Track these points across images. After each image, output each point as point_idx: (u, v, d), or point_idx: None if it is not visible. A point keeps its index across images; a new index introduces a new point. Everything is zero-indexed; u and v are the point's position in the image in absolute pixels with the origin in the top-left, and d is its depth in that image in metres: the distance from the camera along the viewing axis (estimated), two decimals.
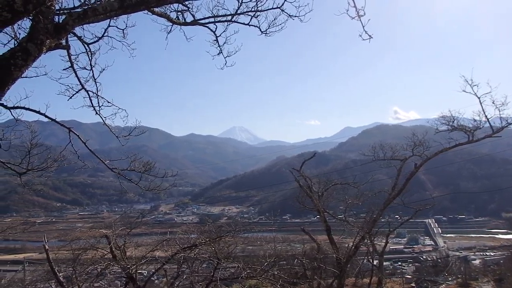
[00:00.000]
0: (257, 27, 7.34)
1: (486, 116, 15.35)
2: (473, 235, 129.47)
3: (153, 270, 14.03)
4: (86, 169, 9.73)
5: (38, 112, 6.87)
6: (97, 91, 7.68)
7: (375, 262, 24.62)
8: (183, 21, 7.15)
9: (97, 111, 7.90)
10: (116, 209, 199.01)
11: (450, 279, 36.08)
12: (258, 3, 6.97)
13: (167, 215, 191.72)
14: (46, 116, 7.03)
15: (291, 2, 6.96)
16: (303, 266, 20.51)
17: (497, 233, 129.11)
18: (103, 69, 7.57)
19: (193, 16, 7.17)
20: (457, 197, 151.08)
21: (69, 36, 6.00)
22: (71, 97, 7.53)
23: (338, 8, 6.66)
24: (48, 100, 6.98)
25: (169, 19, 6.96)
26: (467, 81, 14.46)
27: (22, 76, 4.74)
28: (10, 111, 6.71)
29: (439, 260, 50.62)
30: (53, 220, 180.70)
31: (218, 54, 7.92)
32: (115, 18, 6.15)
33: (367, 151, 19.95)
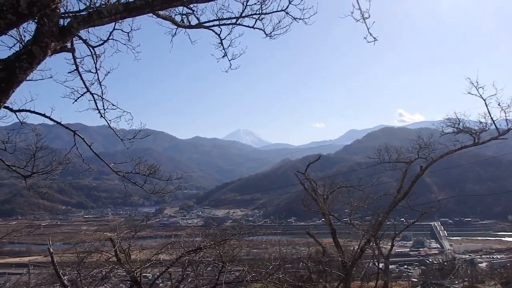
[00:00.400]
0: (261, 30, 7.34)
1: (491, 118, 15.28)
2: (479, 238, 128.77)
3: (158, 274, 14.00)
4: (91, 172, 9.76)
5: (43, 115, 6.90)
6: (102, 94, 7.71)
7: (380, 265, 24.49)
8: (188, 24, 7.14)
9: (102, 114, 7.92)
10: (121, 212, 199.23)
11: (456, 282, 35.89)
12: (263, 6, 6.97)
13: (171, 218, 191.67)
14: (51, 119, 7.06)
15: (295, 5, 6.96)
16: (308, 269, 20.41)
17: (503, 236, 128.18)
18: (108, 72, 7.59)
19: (198, 19, 7.18)
20: (463, 199, 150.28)
21: (74, 39, 6.02)
22: (76, 100, 7.56)
23: (342, 10, 6.66)
24: (53, 103, 7.03)
25: (174, 22, 6.96)
26: (472, 83, 14.39)
27: (27, 79, 4.75)
28: (16, 114, 6.75)
29: (445, 263, 50.34)
30: (58, 223, 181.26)
31: (223, 56, 7.92)
32: (120, 21, 6.17)
33: (372, 154, 19.90)
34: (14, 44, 5.58)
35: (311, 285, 20.41)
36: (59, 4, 4.67)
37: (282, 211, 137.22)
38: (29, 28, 5.44)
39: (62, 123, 7.41)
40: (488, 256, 79.66)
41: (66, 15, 5.37)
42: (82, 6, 5.85)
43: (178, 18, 7.04)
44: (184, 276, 14.17)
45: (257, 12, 7.05)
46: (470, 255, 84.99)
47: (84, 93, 7.52)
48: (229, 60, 7.96)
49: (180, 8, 6.79)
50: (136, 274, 11.66)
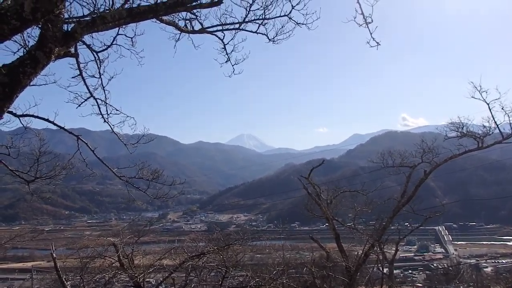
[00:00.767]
0: (264, 34, 7.36)
1: (495, 122, 15.22)
2: (484, 243, 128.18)
3: (161, 279, 13.99)
4: (95, 177, 9.80)
5: (47, 120, 6.93)
6: (106, 99, 7.74)
7: (385, 270, 24.36)
8: (191, 29, 7.17)
9: (106, 119, 7.94)
10: (124, 217, 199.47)
11: (461, 287, 35.68)
12: (266, 11, 6.99)
13: (175, 223, 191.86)
14: (55, 124, 7.10)
15: (298, 10, 6.97)
16: (312, 274, 20.34)
17: (509, 240, 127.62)
18: (112, 77, 7.61)
19: (201, 24, 7.21)
20: (468, 203, 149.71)
21: (78, 44, 6.06)
22: (79, 105, 7.58)
23: (346, 16, 6.68)
24: (56, 108, 7.04)
25: (177, 27, 6.99)
26: (475, 87, 14.35)
27: (31, 84, 4.78)
28: (19, 119, 6.79)
29: (450, 268, 50.08)
30: (61, 228, 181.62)
31: (226, 62, 7.94)
32: (123, 26, 6.20)
33: (376, 158, 19.84)
34: (18, 49, 5.61)
35: None
36: (63, 10, 4.70)
37: (285, 216, 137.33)
38: (33, 34, 5.47)
39: (65, 128, 7.45)
40: (493, 261, 79.39)
41: (70, 20, 5.39)
42: (86, 12, 5.89)
43: (181, 23, 7.09)
44: (188, 281, 14.12)
45: (260, 17, 7.07)
46: (476, 260, 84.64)
47: (88, 98, 7.55)
48: (232, 65, 7.99)
49: (184, 13, 6.81)
50: (139, 280, 11.64)
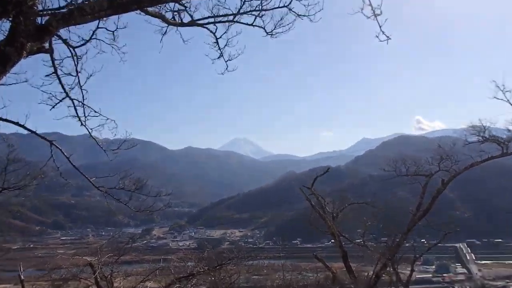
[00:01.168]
0: (262, 27, 7.42)
1: None
2: None
3: None
4: (70, 187, 9.87)
5: (17, 124, 6.95)
6: (83, 99, 7.78)
7: None
8: (179, 21, 7.22)
9: (83, 122, 7.96)
10: (103, 233, 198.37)
11: None
12: (263, 1, 7.06)
13: (160, 240, 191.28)
14: (26, 128, 7.11)
15: (299, 0, 7.03)
16: None
17: None
18: (90, 75, 7.65)
19: (191, 16, 7.28)
20: (493, 217, 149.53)
21: (53, 38, 6.09)
22: (53, 107, 7.60)
23: (351, 8, 6.72)
24: (28, 110, 7.06)
25: (164, 19, 7.04)
26: (498, 86, 14.41)
27: (0, 83, 4.82)
28: None
29: None
30: (31, 246, 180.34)
31: (219, 57, 8.01)
32: (104, 18, 6.23)
33: (387, 166, 19.88)
34: None
35: None
36: (36, 1, 4.74)
37: (286, 231, 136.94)
38: (3, 27, 5.50)
39: (37, 132, 7.45)
40: None
41: (45, 12, 5.41)
42: (63, 3, 5.90)
43: (169, 15, 7.14)
44: None
45: (257, 8, 7.13)
46: (506, 282, 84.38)
47: (63, 98, 7.58)
48: (226, 61, 8.06)
49: (171, 4, 6.88)
50: None
